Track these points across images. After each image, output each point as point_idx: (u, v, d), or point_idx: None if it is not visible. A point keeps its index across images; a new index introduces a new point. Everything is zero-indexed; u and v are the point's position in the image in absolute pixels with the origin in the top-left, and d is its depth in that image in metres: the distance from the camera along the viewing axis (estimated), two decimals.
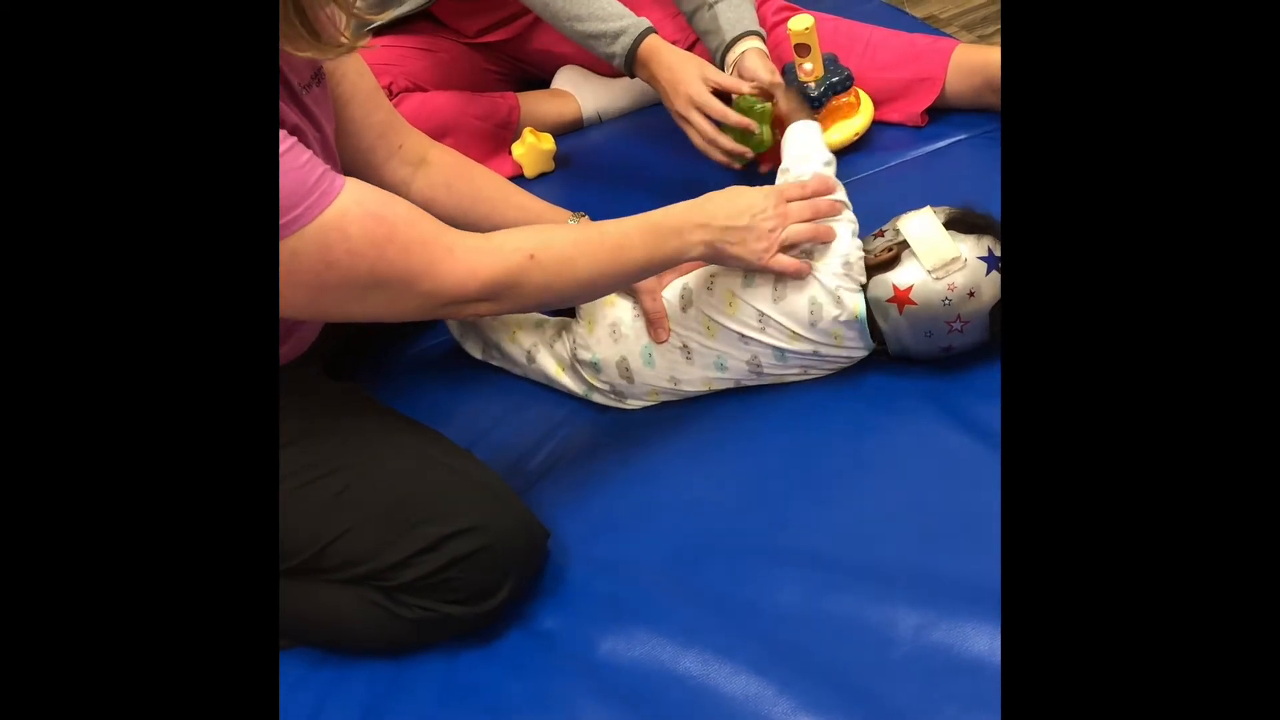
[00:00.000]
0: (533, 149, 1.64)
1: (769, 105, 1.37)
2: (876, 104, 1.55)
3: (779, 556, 1.02)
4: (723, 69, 1.46)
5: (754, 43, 1.44)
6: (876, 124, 1.55)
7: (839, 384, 1.18)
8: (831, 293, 1.12)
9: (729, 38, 1.45)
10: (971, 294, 1.08)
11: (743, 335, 1.15)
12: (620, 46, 1.39)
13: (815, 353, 1.15)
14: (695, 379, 1.19)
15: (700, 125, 1.37)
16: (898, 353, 1.15)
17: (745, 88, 1.37)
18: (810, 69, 1.46)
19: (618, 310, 1.19)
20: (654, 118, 1.65)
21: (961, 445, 1.08)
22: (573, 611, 1.03)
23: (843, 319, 1.12)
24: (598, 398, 1.23)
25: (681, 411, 1.21)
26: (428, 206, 1.15)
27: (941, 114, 1.54)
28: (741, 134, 1.38)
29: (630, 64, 1.40)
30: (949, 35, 1.63)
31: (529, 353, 1.26)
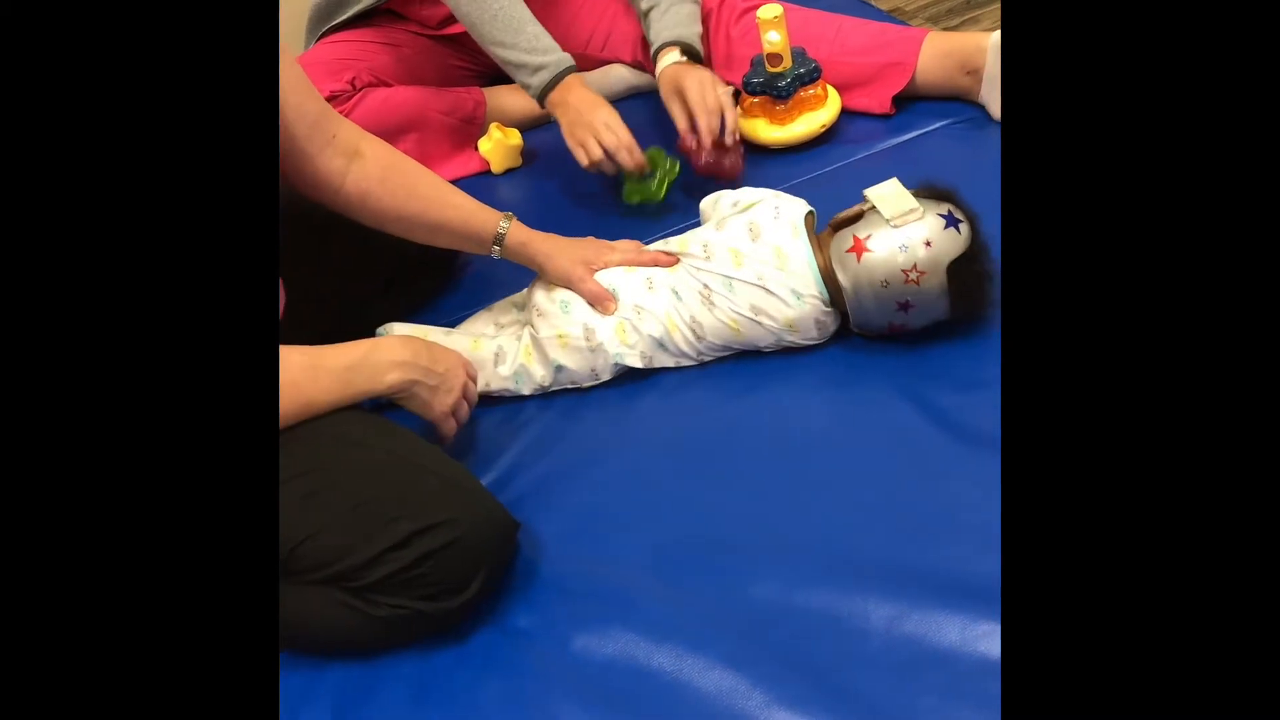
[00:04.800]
0: (499, 144, 1.63)
1: (676, 169, 1.43)
2: (846, 89, 1.55)
3: (753, 551, 1.02)
4: (655, 74, 1.52)
5: (673, 55, 1.49)
6: (845, 115, 1.55)
7: (813, 381, 1.18)
8: (772, 205, 1.21)
9: (655, 46, 1.51)
10: (928, 243, 1.11)
11: (696, 266, 1.20)
12: (538, 80, 1.43)
13: (761, 282, 1.17)
14: (659, 310, 1.21)
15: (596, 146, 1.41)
16: (856, 313, 1.17)
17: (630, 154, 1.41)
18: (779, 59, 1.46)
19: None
20: (621, 112, 1.64)
21: (934, 439, 1.08)
22: (545, 609, 1.02)
23: (780, 222, 1.19)
24: (565, 358, 1.22)
25: (654, 407, 1.21)
26: (362, 200, 1.17)
27: (911, 103, 1.54)
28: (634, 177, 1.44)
29: (542, 98, 1.45)
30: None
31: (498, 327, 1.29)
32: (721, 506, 1.07)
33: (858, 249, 1.13)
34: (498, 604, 1.03)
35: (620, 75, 1.72)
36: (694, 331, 1.21)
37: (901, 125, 1.53)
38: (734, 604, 0.98)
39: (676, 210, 1.44)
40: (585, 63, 1.69)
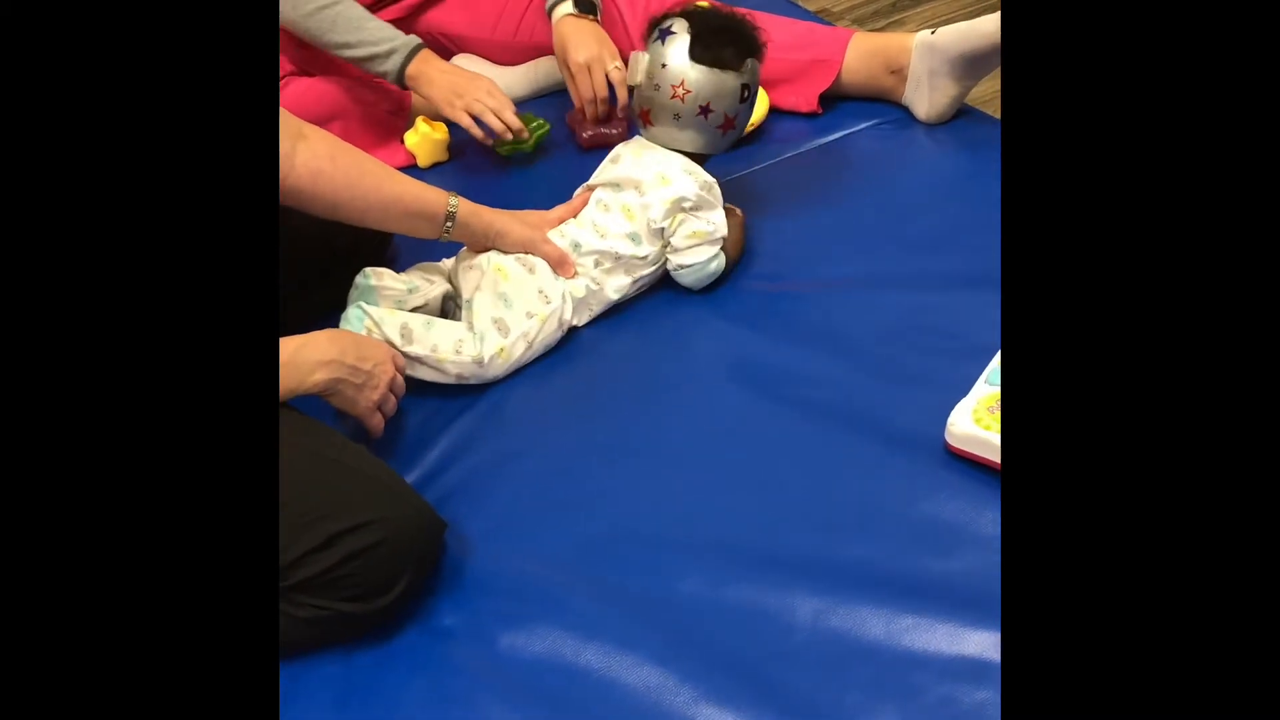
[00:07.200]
0: (426, 138, 1.61)
1: (547, 128, 1.56)
2: (773, 85, 1.56)
3: (680, 547, 1.02)
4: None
5: (566, 6, 1.52)
6: (773, 114, 1.56)
7: (740, 377, 1.19)
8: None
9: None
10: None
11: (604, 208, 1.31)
12: (393, 63, 1.47)
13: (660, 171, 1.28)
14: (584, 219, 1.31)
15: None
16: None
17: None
18: None
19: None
20: (549, 107, 1.64)
21: (859, 437, 1.09)
22: (472, 608, 1.01)
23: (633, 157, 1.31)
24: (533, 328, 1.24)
25: (583, 402, 1.21)
26: (314, 180, 1.15)
27: (837, 104, 1.56)
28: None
29: (401, 78, 1.49)
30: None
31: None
32: (648, 503, 1.07)
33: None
34: (423, 603, 1.01)
35: (548, 70, 1.71)
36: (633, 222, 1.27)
37: (828, 125, 1.54)
38: (661, 600, 0.98)
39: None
40: (516, 53, 1.68)
